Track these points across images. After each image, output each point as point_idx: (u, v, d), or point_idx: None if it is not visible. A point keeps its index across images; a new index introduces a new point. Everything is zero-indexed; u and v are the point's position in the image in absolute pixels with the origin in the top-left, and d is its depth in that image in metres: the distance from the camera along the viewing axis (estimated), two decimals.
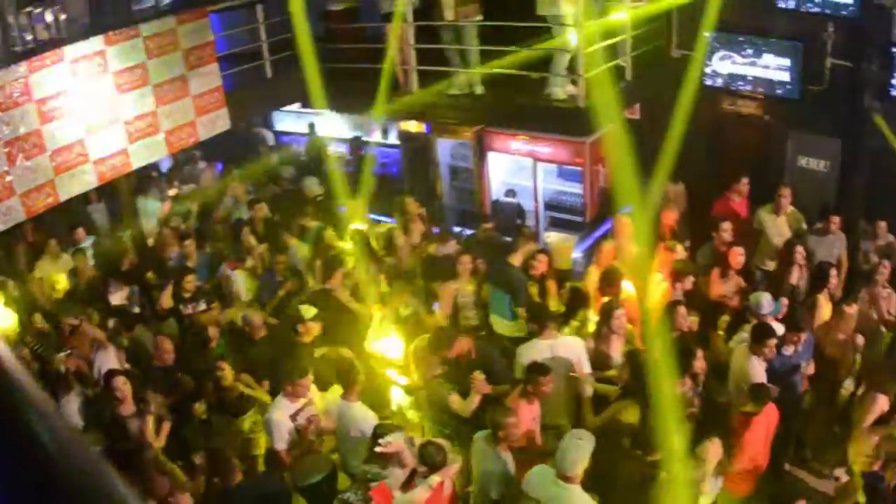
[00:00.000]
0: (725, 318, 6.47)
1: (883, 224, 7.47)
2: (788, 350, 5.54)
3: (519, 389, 5.11)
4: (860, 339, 6.18)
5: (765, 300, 6.08)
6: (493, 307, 6.69)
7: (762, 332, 5.37)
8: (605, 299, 6.12)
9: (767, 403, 5.08)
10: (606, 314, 5.89)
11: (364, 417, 5.12)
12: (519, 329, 6.40)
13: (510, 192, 8.65)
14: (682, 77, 8.25)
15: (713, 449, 4.66)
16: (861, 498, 4.68)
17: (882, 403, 5.24)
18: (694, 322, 6.13)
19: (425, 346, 5.71)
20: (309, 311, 6.12)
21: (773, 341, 5.41)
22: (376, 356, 6.23)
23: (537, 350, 5.50)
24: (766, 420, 5.15)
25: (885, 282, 6.67)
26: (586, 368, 5.52)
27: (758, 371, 5.38)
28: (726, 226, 7.23)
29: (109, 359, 6.01)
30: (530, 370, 5.10)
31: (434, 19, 8.37)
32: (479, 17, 8.07)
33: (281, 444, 5.09)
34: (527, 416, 5.03)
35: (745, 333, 5.95)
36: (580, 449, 4.31)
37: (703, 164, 7.99)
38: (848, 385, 6.41)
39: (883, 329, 6.50)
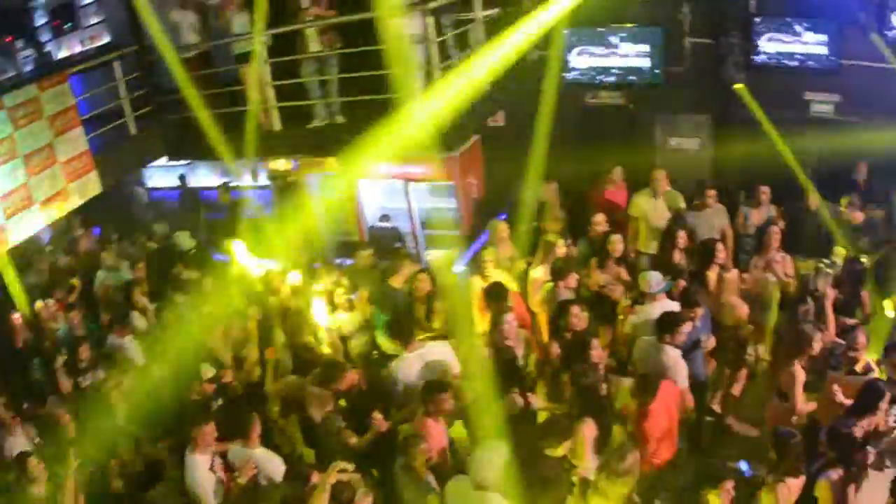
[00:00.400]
0: (626, 304, 6.50)
1: (766, 189, 7.58)
2: (687, 327, 5.56)
3: (422, 410, 5.07)
4: (743, 306, 6.38)
5: (653, 279, 6.16)
6: (380, 329, 6.68)
7: (671, 321, 5.46)
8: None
9: (657, 391, 5.06)
10: (495, 324, 5.82)
11: (270, 461, 4.97)
12: None
13: (385, 217, 8.46)
14: (542, 78, 8.16)
15: (584, 429, 4.73)
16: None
17: (800, 374, 5.35)
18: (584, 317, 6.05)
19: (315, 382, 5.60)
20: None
21: (686, 327, 5.47)
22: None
23: (407, 363, 5.57)
24: (665, 403, 5.15)
25: (777, 246, 6.83)
26: (455, 369, 5.58)
27: (674, 358, 5.44)
28: (599, 217, 7.23)
29: (18, 442, 5.68)
30: (428, 390, 5.08)
31: (295, 54, 8.18)
32: (339, 45, 7.93)
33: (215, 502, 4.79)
34: (437, 435, 5.01)
35: (634, 316, 6.10)
36: (491, 459, 4.37)
37: (574, 160, 7.85)
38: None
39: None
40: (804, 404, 5.38)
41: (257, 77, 8.14)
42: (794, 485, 4.52)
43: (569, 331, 5.80)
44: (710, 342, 6.01)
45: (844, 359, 5.55)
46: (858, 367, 5.51)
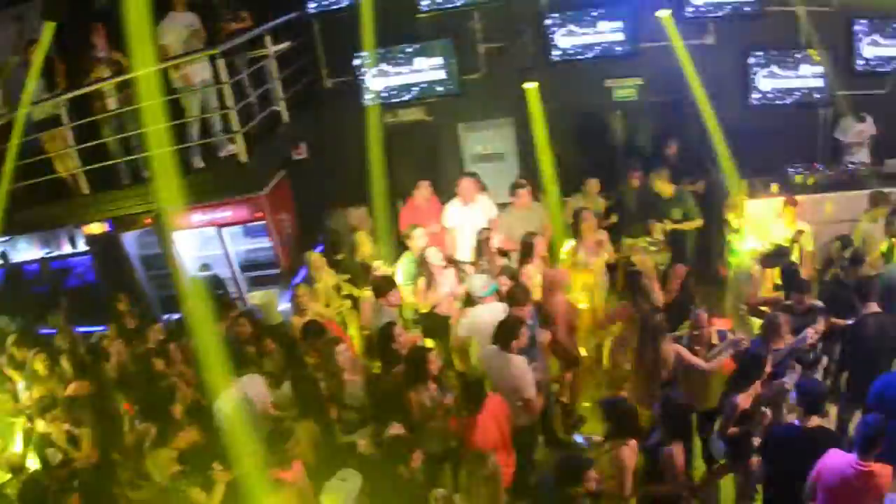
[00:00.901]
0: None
1: (593, 182, 8.65)
2: (524, 331, 6.02)
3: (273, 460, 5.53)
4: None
5: (477, 282, 6.88)
6: None
7: (510, 327, 5.95)
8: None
9: (483, 402, 5.50)
10: (328, 356, 6.40)
11: None
12: None
13: (204, 266, 8.94)
14: (342, 105, 8.72)
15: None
16: None
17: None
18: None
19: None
20: None
21: (524, 332, 5.93)
22: None
23: (227, 399, 6.08)
24: (493, 415, 5.55)
25: (592, 230, 7.78)
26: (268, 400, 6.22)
27: (522, 369, 5.94)
28: (416, 233, 7.77)
29: None
30: (270, 441, 5.50)
31: (94, 113, 8.71)
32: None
33: None
34: (296, 476, 5.44)
35: (465, 319, 6.84)
36: (344, 488, 4.93)
37: (386, 181, 8.42)
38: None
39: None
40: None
41: (61, 141, 8.63)
42: (631, 447, 5.16)
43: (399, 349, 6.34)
44: (544, 336, 6.80)
45: (694, 341, 6.14)
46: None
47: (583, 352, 7.40)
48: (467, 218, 8.48)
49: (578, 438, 6.66)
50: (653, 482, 5.13)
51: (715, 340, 6.31)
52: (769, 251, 7.73)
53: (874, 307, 6.39)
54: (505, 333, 5.91)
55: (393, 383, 6.00)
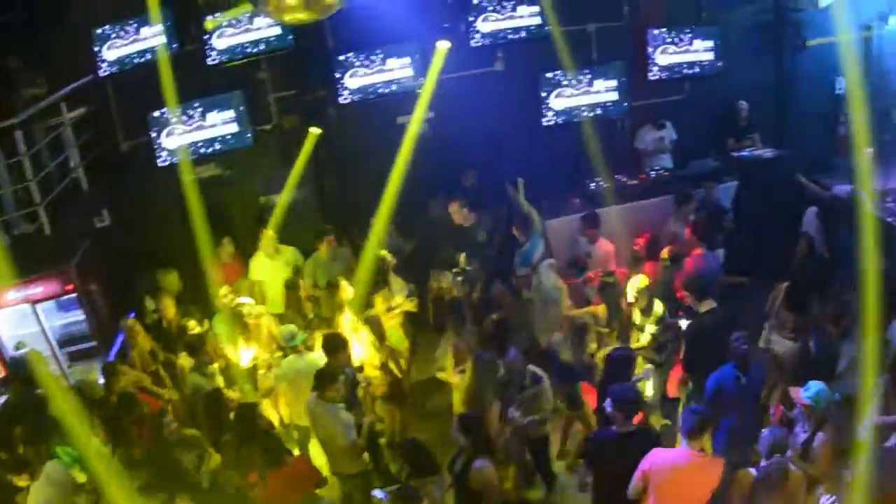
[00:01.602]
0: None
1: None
2: (341, 376, 7.13)
3: None
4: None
5: (287, 333, 8.12)
6: None
7: (328, 375, 6.93)
8: None
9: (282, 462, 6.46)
10: (156, 430, 7.23)
11: None
12: None
13: (20, 345, 9.80)
14: (140, 167, 9.81)
15: None
16: None
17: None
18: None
19: None
20: None
21: (339, 384, 6.96)
22: None
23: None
24: (289, 475, 6.44)
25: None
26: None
27: (347, 420, 6.89)
28: (224, 290, 8.84)
29: None
30: None
31: None
32: None
33: None
34: None
35: (276, 369, 8.09)
36: None
37: (191, 240, 9.46)
38: None
39: None
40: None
41: None
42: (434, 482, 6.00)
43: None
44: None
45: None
46: None
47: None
48: (273, 270, 9.61)
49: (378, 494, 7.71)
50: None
51: None
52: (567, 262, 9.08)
53: (710, 304, 7.65)
54: (321, 382, 6.90)
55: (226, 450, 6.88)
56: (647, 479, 5.71)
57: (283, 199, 10.32)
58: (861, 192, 9.70)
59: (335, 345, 7.50)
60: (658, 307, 8.25)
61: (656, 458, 5.76)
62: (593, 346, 8.42)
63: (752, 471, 5.82)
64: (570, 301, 8.99)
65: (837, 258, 9.73)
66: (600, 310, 8.53)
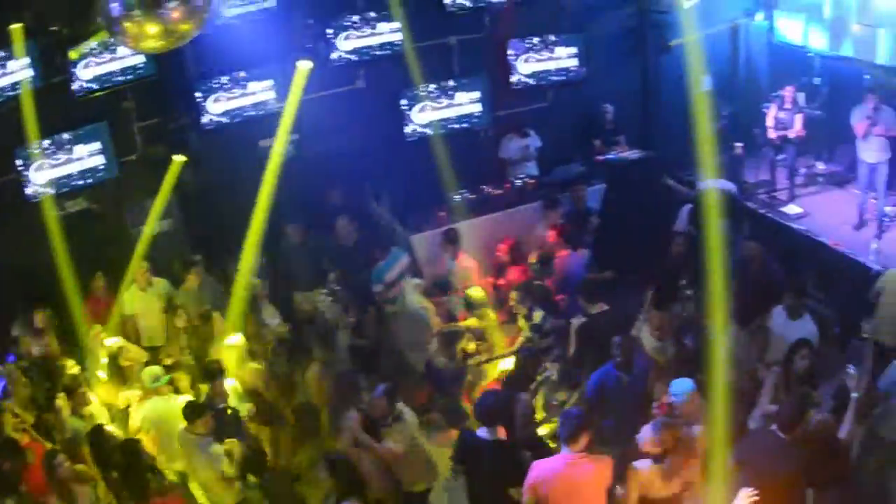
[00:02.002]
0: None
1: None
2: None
3: None
4: None
5: (149, 375, 8.55)
6: None
7: (195, 411, 7.46)
8: None
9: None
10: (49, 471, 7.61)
11: None
12: None
13: None
14: (8, 205, 10.60)
15: None
16: None
17: None
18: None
19: None
20: None
21: (208, 417, 7.44)
22: None
23: None
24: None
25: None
26: None
27: (217, 454, 7.37)
28: (94, 330, 9.72)
29: None
30: None
31: None
32: None
33: None
34: None
35: (141, 412, 8.40)
36: None
37: (65, 277, 10.28)
38: None
39: None
40: None
41: None
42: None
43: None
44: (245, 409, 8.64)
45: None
46: None
47: None
48: (147, 303, 10.48)
49: None
50: None
51: None
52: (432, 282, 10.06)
53: (602, 306, 8.53)
54: (190, 415, 7.36)
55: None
56: (537, 492, 6.05)
57: (149, 230, 11.13)
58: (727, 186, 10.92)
59: (214, 372, 8.13)
60: (537, 314, 8.93)
61: (539, 470, 6.12)
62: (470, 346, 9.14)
63: (642, 463, 6.23)
64: (439, 319, 9.65)
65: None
66: (472, 322, 9.17)
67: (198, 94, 11.46)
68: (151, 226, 10.99)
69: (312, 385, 8.68)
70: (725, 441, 6.25)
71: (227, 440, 7.47)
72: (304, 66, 10.84)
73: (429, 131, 12.05)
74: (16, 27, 10.08)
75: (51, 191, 11.06)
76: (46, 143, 10.98)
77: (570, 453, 6.08)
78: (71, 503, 7.01)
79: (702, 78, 13.61)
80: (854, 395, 6.84)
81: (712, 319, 7.83)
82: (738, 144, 13.31)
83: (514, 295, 9.19)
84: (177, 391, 8.40)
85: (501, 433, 6.63)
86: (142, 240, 10.86)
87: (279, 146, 11.21)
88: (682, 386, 6.84)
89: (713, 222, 9.94)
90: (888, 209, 11.99)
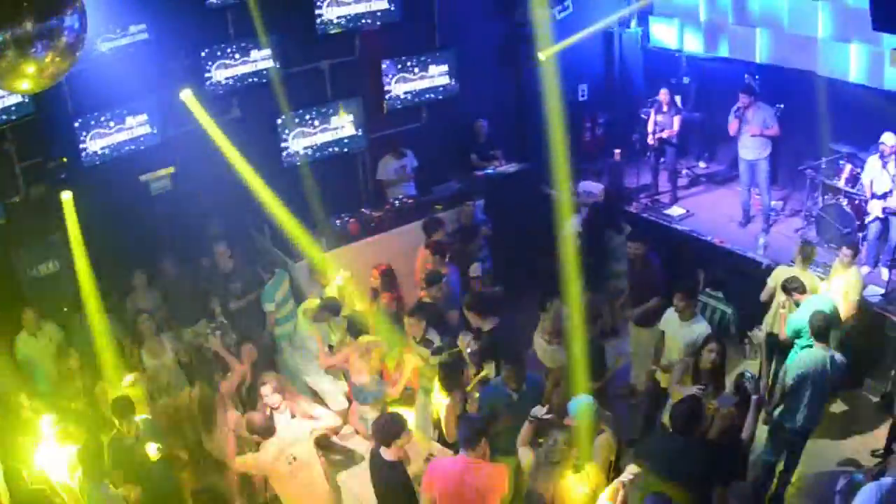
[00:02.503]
0: None
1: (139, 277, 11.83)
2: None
3: None
4: None
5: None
6: None
7: (89, 456, 7.94)
8: None
9: None
10: None
11: None
12: None
13: None
14: None
15: None
16: None
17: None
18: None
19: None
20: None
21: (103, 461, 8.07)
22: None
23: None
24: None
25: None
26: None
27: (110, 494, 7.90)
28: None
29: None
30: None
31: None
32: None
33: None
34: None
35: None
36: None
37: None
38: None
39: None
40: None
41: None
42: None
43: None
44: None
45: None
46: None
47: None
48: (39, 348, 11.31)
49: None
50: None
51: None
52: (320, 305, 11.01)
53: (494, 321, 9.69)
54: (87, 461, 7.86)
55: None
56: (432, 489, 6.76)
57: (47, 270, 12.21)
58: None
59: (124, 408, 8.53)
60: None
61: (435, 468, 6.90)
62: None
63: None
64: (324, 347, 10.49)
65: (600, 258, 12.46)
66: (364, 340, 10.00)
67: (77, 132, 12.57)
68: (40, 267, 12.16)
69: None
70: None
71: (126, 484, 8.03)
72: (186, 95, 12.15)
73: (304, 157, 13.32)
74: None
75: None
76: None
77: (465, 457, 6.74)
78: None
79: (581, 87, 15.40)
80: (754, 396, 7.58)
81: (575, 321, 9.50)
82: (617, 151, 14.94)
83: (407, 319, 9.84)
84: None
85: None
86: (28, 283, 12.02)
87: (159, 182, 12.58)
88: (577, 405, 7.29)
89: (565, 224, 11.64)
90: (774, 203, 13.68)
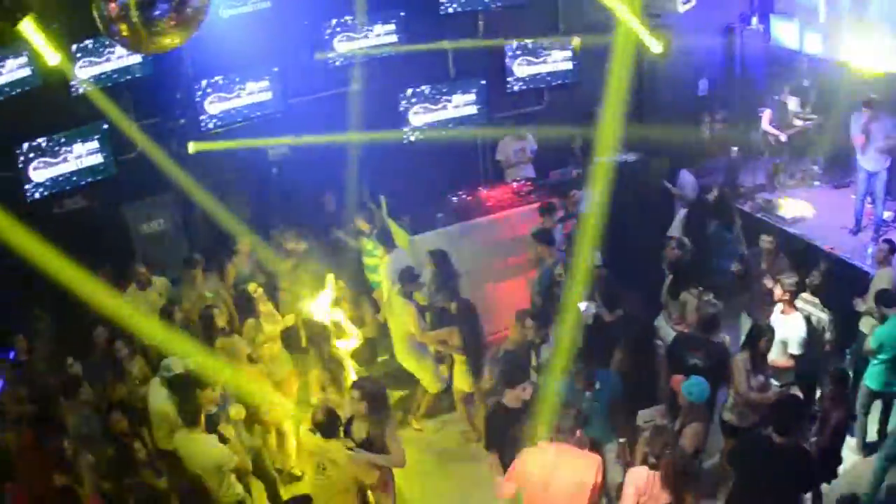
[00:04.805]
0: None
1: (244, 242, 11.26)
2: None
3: None
4: None
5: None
6: None
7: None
8: None
9: None
10: None
11: None
12: None
13: None
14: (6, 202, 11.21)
15: None
16: None
17: None
18: None
19: None
20: None
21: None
22: None
23: None
24: None
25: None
26: None
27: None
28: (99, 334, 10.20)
29: None
30: None
31: None
32: None
33: None
34: None
35: None
36: None
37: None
38: None
39: None
40: None
41: None
42: None
43: None
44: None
45: None
46: None
47: None
48: (148, 302, 11.07)
49: None
50: None
51: None
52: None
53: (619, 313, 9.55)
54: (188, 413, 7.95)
55: None
56: (520, 478, 6.69)
57: (152, 228, 11.82)
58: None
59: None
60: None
61: (527, 457, 6.77)
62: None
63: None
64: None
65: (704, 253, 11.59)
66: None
67: (196, 95, 12.11)
68: (155, 224, 11.83)
69: None
70: None
71: None
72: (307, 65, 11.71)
73: (424, 134, 12.77)
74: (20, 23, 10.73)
75: (49, 189, 11.73)
76: (44, 141, 11.62)
77: (560, 444, 6.61)
78: None
79: (702, 81, 14.59)
80: None
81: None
82: (734, 148, 14.04)
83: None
84: None
85: None
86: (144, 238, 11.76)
87: (278, 149, 12.00)
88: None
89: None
90: (887, 215, 12.72)
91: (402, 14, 12.63)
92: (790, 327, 8.82)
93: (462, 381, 9.78)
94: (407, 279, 10.12)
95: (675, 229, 11.89)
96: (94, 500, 7.53)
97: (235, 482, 7.88)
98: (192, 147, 11.39)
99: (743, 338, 9.23)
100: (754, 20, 14.88)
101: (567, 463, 6.46)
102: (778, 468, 6.71)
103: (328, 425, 7.30)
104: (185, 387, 8.32)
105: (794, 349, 8.80)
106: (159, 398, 8.72)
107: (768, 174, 14.08)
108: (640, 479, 6.55)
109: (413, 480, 9.02)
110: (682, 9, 13.87)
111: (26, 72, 11.17)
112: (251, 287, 10.48)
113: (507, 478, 6.69)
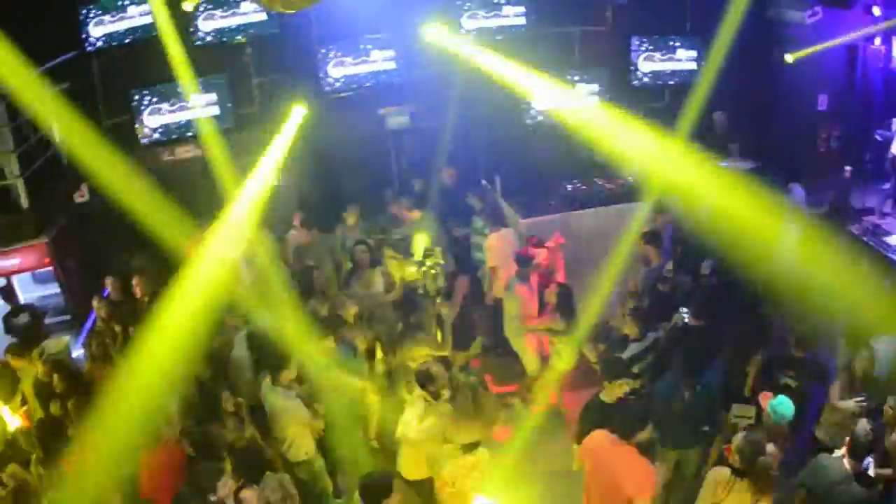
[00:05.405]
0: None
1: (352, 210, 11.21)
2: None
3: None
4: None
5: None
6: None
7: None
8: None
9: None
10: None
11: None
12: None
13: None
14: (120, 146, 11.11)
15: None
16: None
17: None
18: None
19: None
20: None
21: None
22: None
23: None
24: None
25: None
26: None
27: None
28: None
29: None
30: None
31: None
32: None
33: None
34: None
35: None
36: None
37: (170, 220, 10.67)
38: None
39: None
40: None
41: None
42: None
43: None
44: None
45: None
46: None
47: None
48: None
49: None
50: None
51: None
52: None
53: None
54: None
55: None
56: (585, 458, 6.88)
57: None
58: None
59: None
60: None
61: (590, 440, 6.89)
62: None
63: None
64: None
65: None
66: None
67: (320, 58, 11.91)
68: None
69: None
70: None
71: None
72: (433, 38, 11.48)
73: (544, 120, 12.48)
74: None
75: (163, 136, 11.59)
76: (164, 88, 11.49)
77: (621, 442, 6.51)
78: None
79: (821, 97, 14.18)
80: None
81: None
82: (848, 168, 13.60)
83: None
84: None
85: None
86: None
87: (397, 118, 11.76)
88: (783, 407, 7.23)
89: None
90: None
91: None
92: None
93: (561, 362, 9.42)
94: (521, 262, 9.89)
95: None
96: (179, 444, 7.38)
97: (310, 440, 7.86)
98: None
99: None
100: (877, 40, 14.45)
101: (617, 460, 6.47)
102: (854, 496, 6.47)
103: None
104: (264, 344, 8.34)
105: None
106: (240, 350, 8.82)
107: (881, 198, 13.59)
108: (723, 479, 6.45)
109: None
110: (807, 21, 13.50)
111: (147, 19, 11.17)
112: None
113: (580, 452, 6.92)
